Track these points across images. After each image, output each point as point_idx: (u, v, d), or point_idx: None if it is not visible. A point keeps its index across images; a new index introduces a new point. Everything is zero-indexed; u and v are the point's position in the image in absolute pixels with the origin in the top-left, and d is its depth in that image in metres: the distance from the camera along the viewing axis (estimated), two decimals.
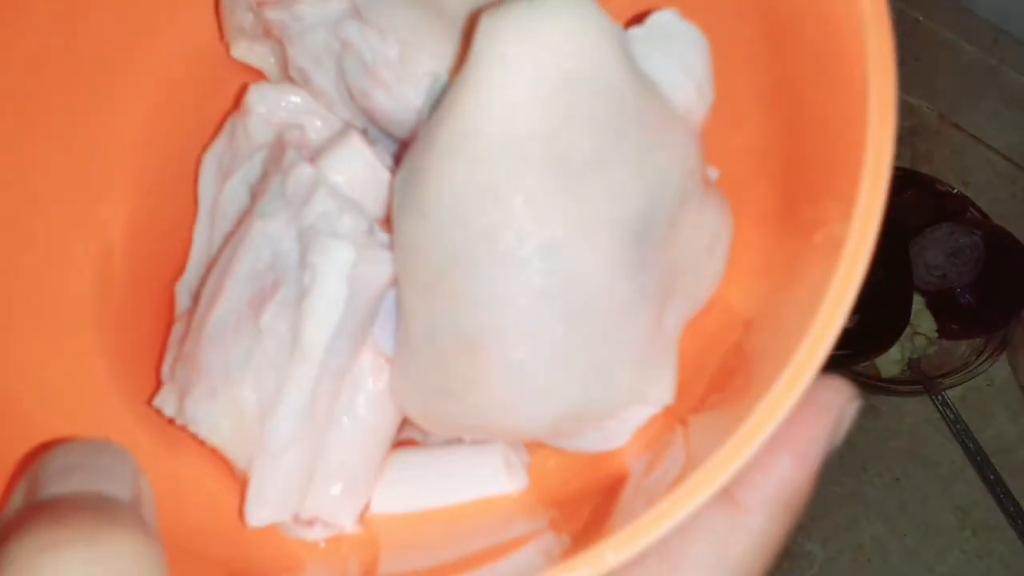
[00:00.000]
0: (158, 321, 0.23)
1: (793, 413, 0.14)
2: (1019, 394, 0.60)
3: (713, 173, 0.21)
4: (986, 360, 0.57)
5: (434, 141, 0.17)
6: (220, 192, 0.22)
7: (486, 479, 0.21)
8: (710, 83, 0.20)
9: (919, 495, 0.58)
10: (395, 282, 0.20)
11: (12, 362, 0.20)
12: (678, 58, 0.19)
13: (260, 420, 0.19)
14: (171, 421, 0.20)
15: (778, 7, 0.19)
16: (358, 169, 0.20)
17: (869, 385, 0.58)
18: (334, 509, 0.20)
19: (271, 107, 0.22)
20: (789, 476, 0.15)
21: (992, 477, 0.56)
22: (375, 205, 0.20)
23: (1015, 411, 0.59)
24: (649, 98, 0.17)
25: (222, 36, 0.23)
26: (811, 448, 0.15)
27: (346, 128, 0.21)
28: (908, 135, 0.67)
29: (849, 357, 0.48)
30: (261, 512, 0.19)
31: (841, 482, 0.58)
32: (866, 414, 0.59)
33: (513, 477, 0.21)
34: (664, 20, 0.20)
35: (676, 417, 0.18)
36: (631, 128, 0.17)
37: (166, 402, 0.20)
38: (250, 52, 0.23)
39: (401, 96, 0.20)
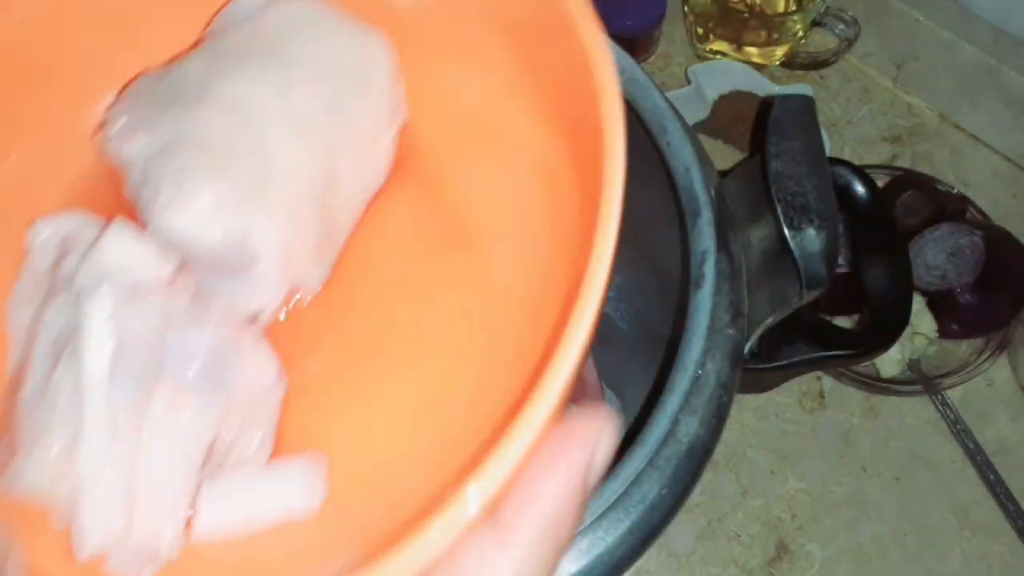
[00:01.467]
0: None
1: (554, 444, 0.16)
2: (1019, 394, 0.60)
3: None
4: (986, 360, 0.57)
5: None
6: (32, 321, 0.25)
7: (288, 497, 0.23)
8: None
9: (919, 495, 0.58)
10: (170, 324, 0.22)
11: None
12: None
13: (69, 463, 0.21)
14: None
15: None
16: (125, 245, 0.23)
17: (869, 385, 0.58)
18: (153, 533, 0.22)
19: (51, 235, 0.25)
20: (551, 499, 0.16)
21: (992, 477, 0.56)
22: (143, 270, 0.23)
23: (1015, 411, 0.59)
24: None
25: None
26: (572, 472, 0.16)
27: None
28: (908, 135, 0.67)
29: (849, 357, 0.47)
30: (87, 540, 0.21)
31: (841, 482, 0.58)
32: (866, 414, 0.59)
33: (312, 492, 0.23)
34: None
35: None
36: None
37: None
38: None
39: None
